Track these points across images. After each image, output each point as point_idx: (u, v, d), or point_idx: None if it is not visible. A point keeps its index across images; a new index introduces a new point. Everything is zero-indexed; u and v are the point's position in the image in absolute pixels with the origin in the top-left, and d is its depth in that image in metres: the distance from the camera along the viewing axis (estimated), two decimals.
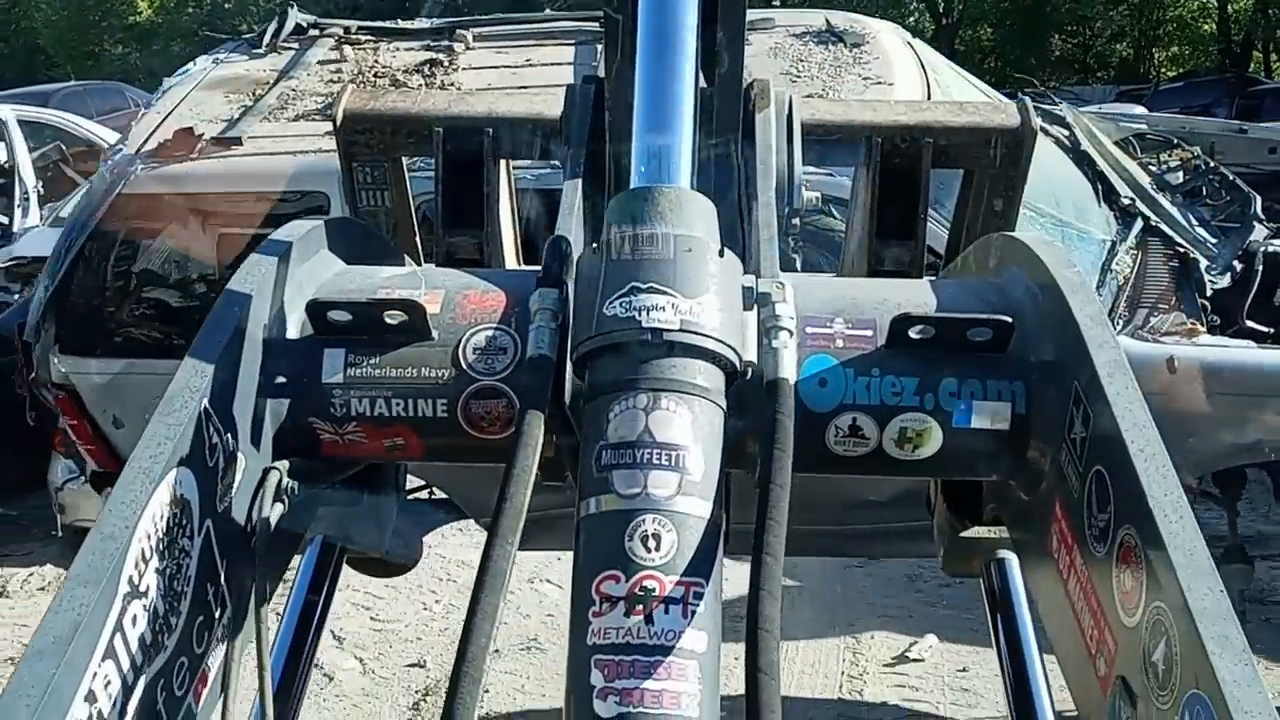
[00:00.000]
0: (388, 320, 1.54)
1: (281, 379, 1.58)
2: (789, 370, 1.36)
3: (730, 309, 1.36)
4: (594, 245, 1.40)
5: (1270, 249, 5.95)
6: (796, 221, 1.96)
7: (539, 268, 1.55)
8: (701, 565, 1.22)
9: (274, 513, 1.51)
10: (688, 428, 1.26)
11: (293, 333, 1.62)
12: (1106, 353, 1.37)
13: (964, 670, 7.22)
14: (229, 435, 1.49)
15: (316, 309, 1.57)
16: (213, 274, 6.18)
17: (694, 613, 1.19)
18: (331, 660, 7.43)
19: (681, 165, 1.50)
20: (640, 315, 1.29)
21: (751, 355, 1.37)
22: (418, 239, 2.42)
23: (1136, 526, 1.22)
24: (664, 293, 1.30)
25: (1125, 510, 1.26)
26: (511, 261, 2.39)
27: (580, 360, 1.38)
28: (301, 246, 1.67)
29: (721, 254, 1.37)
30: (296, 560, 1.96)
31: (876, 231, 2.14)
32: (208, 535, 1.44)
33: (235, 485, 1.50)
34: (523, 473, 1.26)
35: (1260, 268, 5.72)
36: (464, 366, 1.54)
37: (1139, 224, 6.03)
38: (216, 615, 1.47)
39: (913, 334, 1.50)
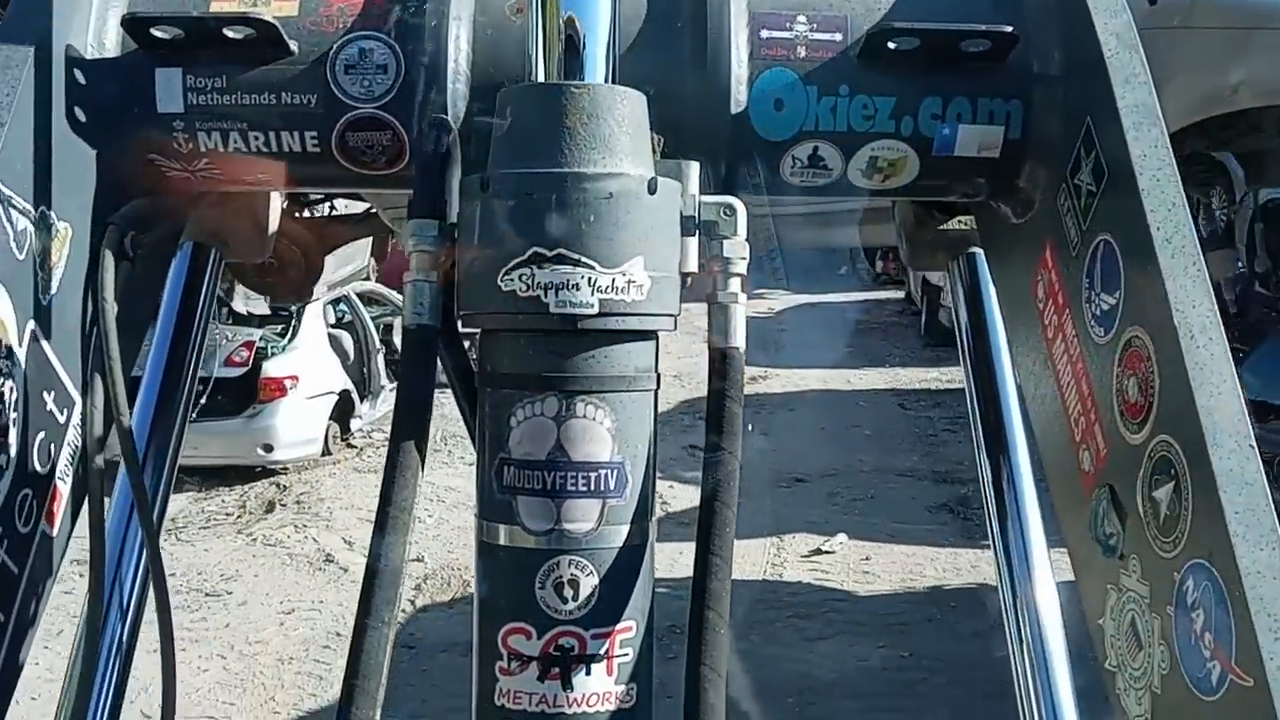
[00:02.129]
0: (229, 35, 1.24)
1: (102, 110, 1.26)
2: (739, 335, 1.12)
3: (665, 261, 1.07)
4: (480, 177, 1.08)
5: None
6: None
7: None
8: (630, 605, 1.04)
9: (108, 286, 1.23)
10: (609, 438, 1.03)
11: (111, 50, 1.28)
12: (1134, 91, 1.13)
13: (867, 559, 8.86)
14: (37, 202, 1.19)
15: (135, 26, 1.25)
16: None
17: (621, 666, 1.03)
18: (345, 558, 8.84)
19: (596, 46, 1.13)
20: (547, 297, 1.01)
21: (693, 266, 1.13)
22: None
23: (1152, 337, 1.04)
24: (577, 263, 1.01)
25: (1139, 311, 1.07)
26: None
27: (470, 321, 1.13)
28: None
29: (653, 187, 1.06)
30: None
31: None
32: (33, 340, 1.18)
33: (60, 263, 1.22)
34: (396, 529, 1.03)
35: None
36: (335, 90, 1.26)
37: None
38: (62, 421, 1.23)
39: (892, 45, 1.25)
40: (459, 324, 1.12)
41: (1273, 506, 0.91)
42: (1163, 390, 1.02)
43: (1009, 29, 1.22)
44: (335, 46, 1.25)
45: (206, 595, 8.94)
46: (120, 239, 1.24)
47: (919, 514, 10.38)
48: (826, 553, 9.12)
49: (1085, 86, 1.17)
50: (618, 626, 1.01)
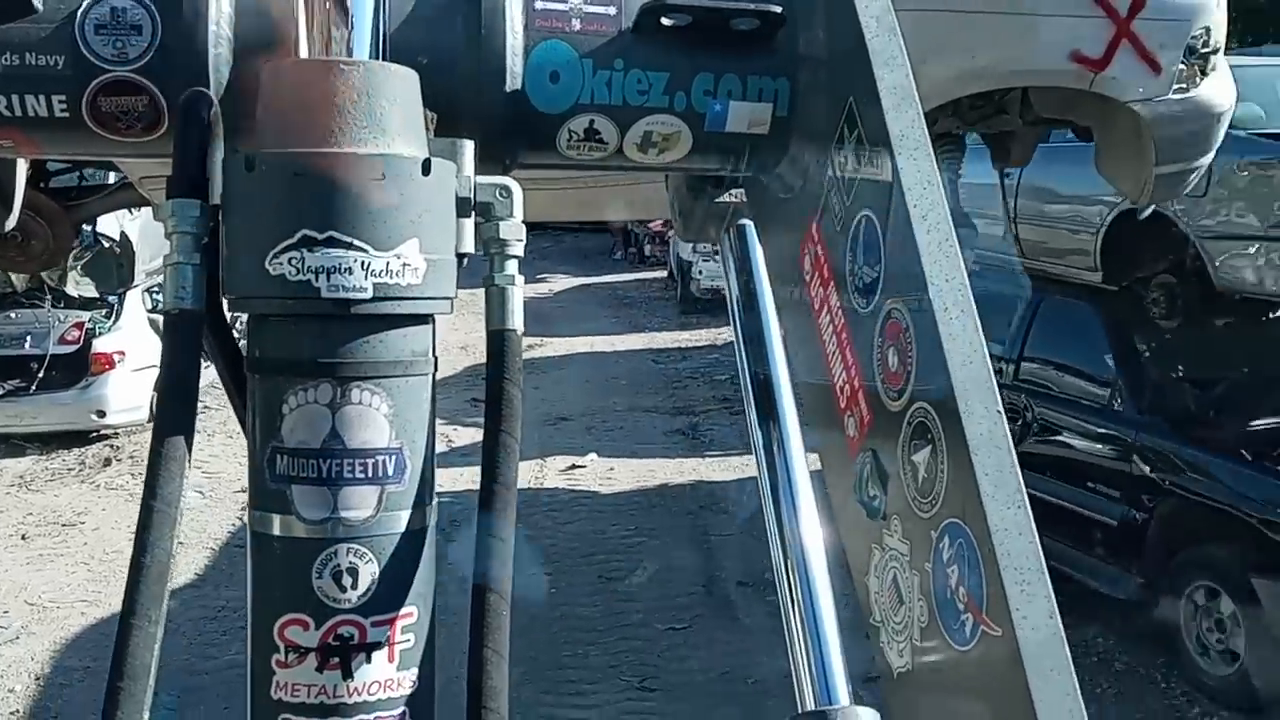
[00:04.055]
0: None
1: None
2: (516, 317, 1.06)
3: (441, 242, 0.99)
4: (246, 156, 0.95)
5: None
6: None
7: None
8: (411, 590, 0.98)
9: None
10: (387, 424, 0.96)
11: None
12: (893, 73, 1.12)
13: (612, 469, 10.92)
14: None
15: None
16: None
17: (403, 653, 0.98)
18: None
19: (364, 19, 1.07)
20: (318, 281, 0.92)
21: (469, 248, 1.04)
22: None
23: (909, 309, 1.05)
24: (349, 245, 0.93)
25: (898, 284, 1.07)
26: None
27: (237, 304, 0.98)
28: None
29: (427, 168, 0.97)
30: None
31: None
32: None
33: None
34: (162, 523, 0.94)
35: None
36: (85, 51, 1.15)
37: None
38: None
39: (665, 21, 1.22)
40: (225, 308, 1.01)
41: (1018, 468, 0.94)
42: (919, 360, 1.02)
43: (776, 9, 1.21)
44: (85, 4, 1.14)
45: (64, 525, 10.14)
46: None
47: (658, 437, 11.91)
48: (579, 467, 11.11)
49: (848, 67, 1.14)
50: (399, 613, 0.96)
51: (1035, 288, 8.03)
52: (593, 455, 11.29)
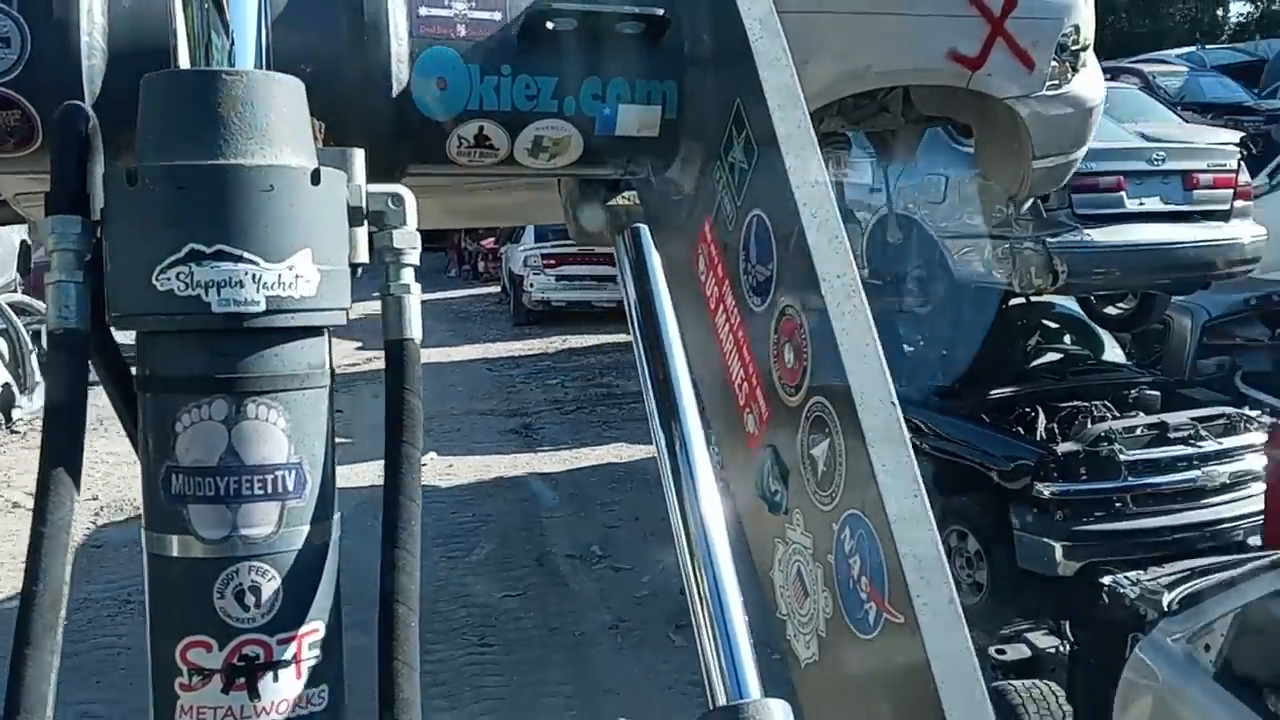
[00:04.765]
0: None
1: None
2: (414, 326, 1.05)
3: (334, 252, 0.97)
4: (127, 170, 0.92)
5: None
6: None
7: None
8: (316, 606, 0.96)
9: None
10: (285, 439, 0.94)
11: None
12: (778, 74, 1.12)
13: (450, 466, 11.71)
14: None
15: None
16: None
17: (311, 669, 0.95)
18: (30, 504, 10.90)
19: (246, 28, 1.00)
20: (208, 295, 0.90)
21: (363, 257, 1.02)
22: None
23: (803, 305, 1.06)
24: (239, 258, 0.90)
25: (790, 281, 1.08)
26: None
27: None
28: None
29: (317, 178, 0.94)
30: None
31: None
32: None
33: None
34: (54, 550, 0.92)
35: None
36: None
37: None
38: None
39: (550, 25, 1.22)
40: (110, 326, 0.98)
41: (914, 458, 0.97)
42: (814, 355, 1.03)
43: (660, 12, 1.21)
44: None
45: None
46: None
47: (493, 436, 12.60)
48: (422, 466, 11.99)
49: (733, 69, 1.15)
50: (304, 629, 0.94)
51: None
52: (432, 454, 11.99)
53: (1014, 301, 8.70)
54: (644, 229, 1.48)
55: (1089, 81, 3.55)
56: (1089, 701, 5.30)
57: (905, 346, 8.80)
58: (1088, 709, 5.27)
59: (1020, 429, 7.68)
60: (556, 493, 10.65)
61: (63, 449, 0.96)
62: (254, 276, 0.92)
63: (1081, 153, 3.64)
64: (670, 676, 7.39)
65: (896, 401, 1.00)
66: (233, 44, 1.01)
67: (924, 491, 0.97)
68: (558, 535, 9.55)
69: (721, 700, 1.10)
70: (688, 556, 1.22)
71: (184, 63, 1.01)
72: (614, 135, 1.29)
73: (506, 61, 1.23)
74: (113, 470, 11.61)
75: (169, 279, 0.91)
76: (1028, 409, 7.89)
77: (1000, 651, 5.87)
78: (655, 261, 1.45)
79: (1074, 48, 3.45)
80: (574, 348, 15.88)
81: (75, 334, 0.96)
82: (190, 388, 0.93)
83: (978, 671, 0.93)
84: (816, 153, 1.11)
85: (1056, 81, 3.38)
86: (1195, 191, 8.28)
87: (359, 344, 18.57)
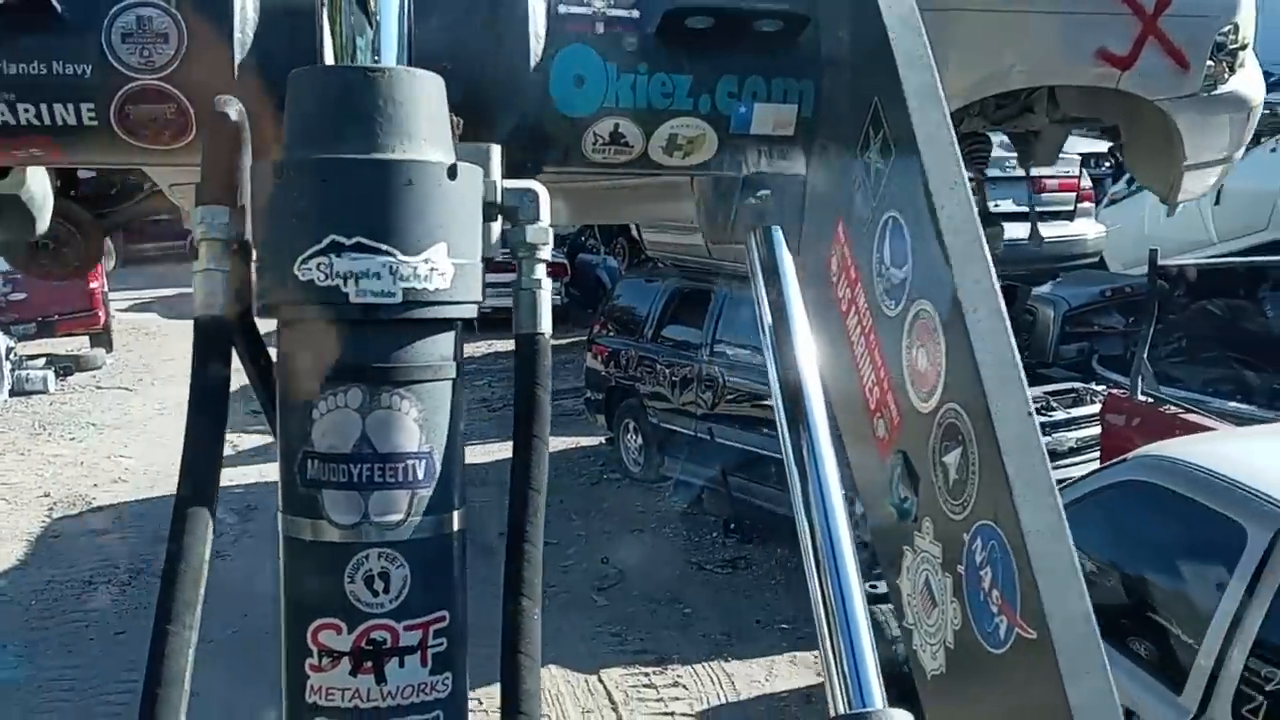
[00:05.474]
0: None
1: None
2: (545, 320, 1.06)
3: (467, 246, 0.99)
4: (274, 163, 0.96)
5: None
6: None
7: None
8: (443, 593, 0.98)
9: None
10: (416, 429, 0.96)
11: None
12: (918, 73, 1.10)
13: None
14: None
15: None
16: None
17: (436, 656, 0.97)
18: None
19: (390, 26, 1.03)
20: (347, 286, 0.93)
21: (496, 252, 1.05)
22: None
23: (938, 310, 1.04)
24: (377, 250, 0.93)
25: (926, 285, 1.06)
26: None
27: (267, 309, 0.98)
28: None
29: (454, 173, 0.96)
30: None
31: None
32: None
33: None
34: (196, 527, 0.94)
35: None
36: (112, 60, 1.14)
37: None
38: None
39: (689, 24, 1.21)
40: (255, 313, 1.02)
41: (1051, 470, 0.94)
42: (949, 361, 1.01)
43: (800, 10, 1.21)
44: (111, 13, 1.13)
45: None
46: None
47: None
48: None
49: (872, 68, 1.14)
50: (430, 617, 0.96)
51: (720, 284, 10.18)
52: None
53: None
54: (776, 229, 1.44)
55: (1248, 81, 3.35)
56: None
57: None
58: None
59: None
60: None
61: (206, 432, 0.98)
62: (391, 268, 0.94)
63: (1238, 155, 3.45)
64: (592, 630, 8.30)
65: (1033, 412, 0.97)
66: (377, 40, 1.03)
67: (1060, 504, 0.94)
68: (489, 517, 10.31)
69: (842, 709, 1.07)
70: (813, 563, 1.19)
71: (329, 58, 1.04)
72: (749, 134, 1.28)
73: (643, 60, 1.23)
74: (60, 470, 12.30)
75: (310, 269, 0.93)
76: None
77: (873, 586, 6.88)
78: (787, 263, 1.40)
79: (1232, 47, 3.23)
80: (499, 351, 16.56)
81: (220, 320, 0.99)
82: (327, 376, 0.95)
83: (1114, 694, 0.90)
84: (956, 154, 1.08)
85: (1212, 82, 3.19)
86: (1043, 195, 9.22)
87: None
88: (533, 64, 1.19)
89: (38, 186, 1.48)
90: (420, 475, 0.96)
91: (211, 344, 0.98)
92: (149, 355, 18.34)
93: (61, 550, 10.09)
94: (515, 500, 1.04)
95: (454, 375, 1.00)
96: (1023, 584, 0.92)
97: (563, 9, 1.21)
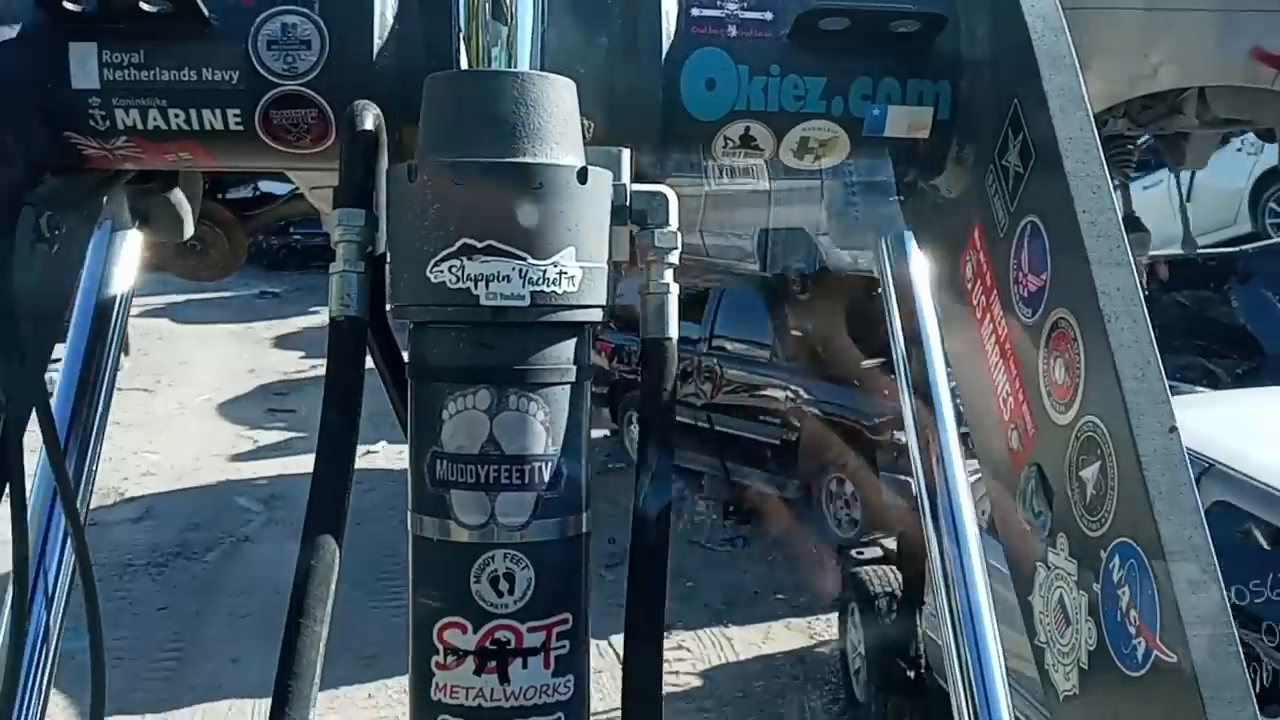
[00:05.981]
0: (144, 8, 1.13)
1: (14, 86, 1.16)
2: (672, 326, 1.06)
3: (596, 250, 1.00)
4: (408, 166, 0.98)
5: None
6: None
7: None
8: (566, 595, 0.99)
9: (33, 265, 1.19)
10: (544, 431, 0.98)
11: (22, 23, 1.18)
12: (1061, 74, 1.07)
13: (400, 453, 12.96)
14: None
15: None
16: None
17: (559, 658, 0.98)
18: None
19: (524, 30, 1.07)
20: (477, 289, 0.95)
21: (624, 256, 1.06)
22: None
23: (1078, 319, 1.02)
24: (507, 254, 0.95)
25: (1066, 292, 1.03)
26: None
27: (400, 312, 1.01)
28: None
29: (584, 177, 0.98)
30: None
31: None
32: None
33: None
34: (329, 525, 0.98)
35: None
36: (257, 66, 1.18)
37: None
38: None
39: (823, 26, 1.19)
40: (389, 315, 1.05)
41: (1195, 487, 0.91)
42: (1088, 372, 0.99)
43: (937, 11, 1.19)
44: (257, 21, 1.17)
45: None
46: (37, 219, 1.21)
47: None
48: (373, 452, 12.96)
49: (1012, 69, 1.11)
50: (554, 619, 0.97)
51: (717, 281, 10.93)
52: (383, 443, 13.21)
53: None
54: (908, 235, 1.42)
55: None
56: (910, 574, 6.95)
57: (793, 329, 10.35)
58: (909, 578, 6.98)
59: (886, 392, 9.34)
60: None
61: (339, 432, 1.00)
62: (521, 272, 0.94)
63: None
64: (602, 602, 8.82)
65: (1177, 427, 0.93)
66: (511, 44, 1.05)
67: (1205, 524, 0.90)
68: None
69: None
70: (941, 578, 1.18)
71: (464, 62, 1.06)
72: (882, 136, 1.25)
73: (775, 62, 1.19)
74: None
75: (442, 272, 0.94)
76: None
77: (859, 553, 7.49)
78: (919, 268, 1.39)
79: None
80: None
81: (355, 321, 1.01)
82: (457, 377, 0.97)
83: (1258, 718, 0.87)
84: (1099, 157, 1.05)
85: None
86: None
87: (302, 354, 20.01)
88: (664, 68, 1.21)
89: (187, 190, 1.54)
90: (546, 478, 0.97)
91: (345, 344, 1.02)
92: (164, 359, 18.94)
93: (98, 536, 10.69)
94: (641, 500, 1.06)
95: (581, 378, 1.02)
96: (1163, 605, 0.90)
97: (695, 12, 1.20)
